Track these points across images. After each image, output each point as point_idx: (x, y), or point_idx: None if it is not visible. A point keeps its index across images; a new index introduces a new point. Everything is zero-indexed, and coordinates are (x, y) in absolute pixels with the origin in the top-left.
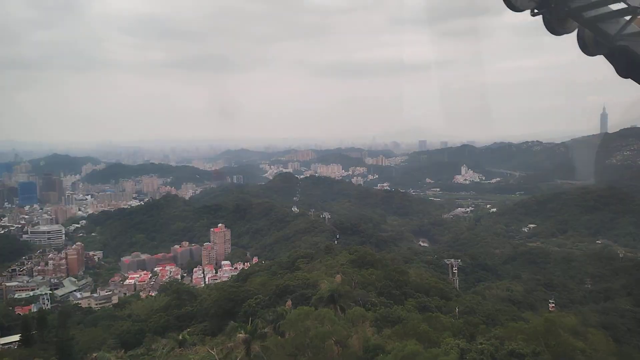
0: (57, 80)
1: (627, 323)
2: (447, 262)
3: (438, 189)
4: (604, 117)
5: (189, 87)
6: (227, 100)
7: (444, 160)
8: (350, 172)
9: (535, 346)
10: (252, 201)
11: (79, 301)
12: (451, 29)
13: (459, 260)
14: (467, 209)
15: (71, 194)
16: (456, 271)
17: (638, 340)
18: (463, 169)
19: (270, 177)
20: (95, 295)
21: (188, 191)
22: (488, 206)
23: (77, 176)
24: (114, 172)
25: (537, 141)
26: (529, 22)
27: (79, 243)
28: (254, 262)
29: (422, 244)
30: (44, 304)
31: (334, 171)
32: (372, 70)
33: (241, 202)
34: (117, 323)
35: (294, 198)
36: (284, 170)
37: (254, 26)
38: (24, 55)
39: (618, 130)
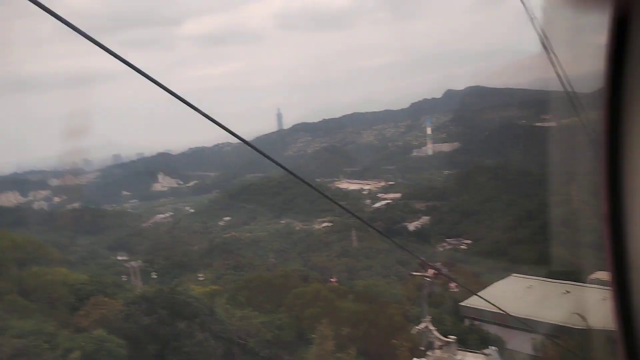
0: None
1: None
2: (128, 267)
3: (136, 200)
4: (279, 117)
5: None
6: None
7: (140, 171)
8: (31, 198)
9: None
10: None
11: None
12: (131, 38)
13: (139, 261)
14: (167, 215)
15: None
16: (155, 274)
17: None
18: (160, 177)
19: None
20: None
21: None
22: (187, 208)
23: None
24: None
25: (227, 142)
26: (210, 32)
27: None
28: None
29: (119, 258)
30: None
31: (9, 200)
32: (40, 83)
33: None
34: None
35: None
36: None
37: None
38: None
39: (291, 126)
